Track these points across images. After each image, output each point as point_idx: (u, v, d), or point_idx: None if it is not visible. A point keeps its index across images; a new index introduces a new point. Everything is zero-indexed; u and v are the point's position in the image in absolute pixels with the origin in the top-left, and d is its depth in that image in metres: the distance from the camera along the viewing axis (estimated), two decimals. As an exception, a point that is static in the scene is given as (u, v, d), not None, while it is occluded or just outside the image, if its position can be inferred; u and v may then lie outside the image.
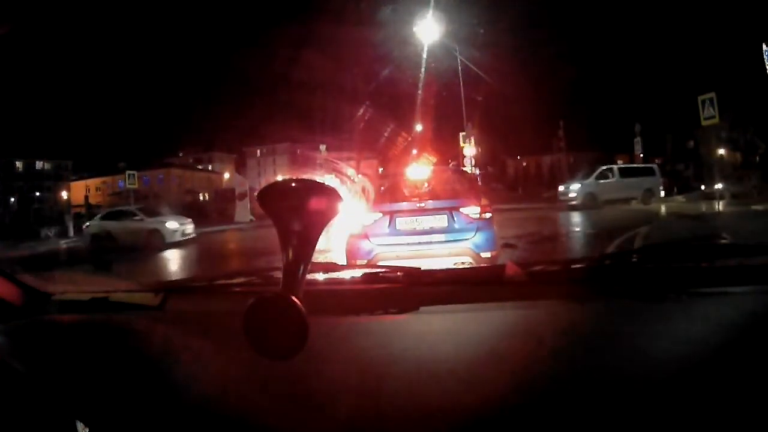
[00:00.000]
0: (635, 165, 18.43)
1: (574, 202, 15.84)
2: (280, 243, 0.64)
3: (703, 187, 17.86)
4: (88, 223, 14.47)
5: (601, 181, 16.64)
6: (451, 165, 14.95)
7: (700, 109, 11.79)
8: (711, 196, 15.21)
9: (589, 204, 15.45)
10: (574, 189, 16.57)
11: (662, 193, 16.77)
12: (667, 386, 0.64)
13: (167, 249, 11.69)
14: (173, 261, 10.24)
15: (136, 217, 13.38)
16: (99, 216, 14.54)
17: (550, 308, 0.97)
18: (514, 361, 0.76)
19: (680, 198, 17.40)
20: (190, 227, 13.18)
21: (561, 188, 17.23)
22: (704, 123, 12.03)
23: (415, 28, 14.09)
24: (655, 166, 17.61)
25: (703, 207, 13.39)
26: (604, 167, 17.53)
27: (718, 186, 15.98)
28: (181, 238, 12.61)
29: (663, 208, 13.94)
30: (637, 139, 20.22)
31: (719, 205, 12.88)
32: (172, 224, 12.83)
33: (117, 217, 13.87)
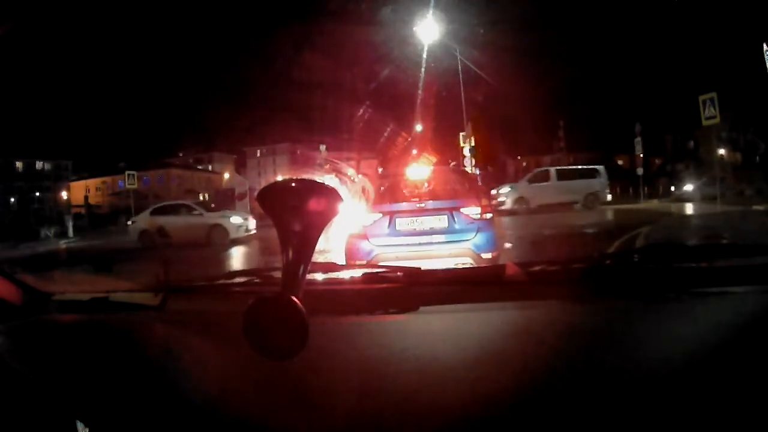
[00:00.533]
0: (577, 167, 17.48)
1: (503, 207, 14.68)
2: (280, 243, 0.64)
3: (672, 189, 17.72)
4: (133, 219, 13.70)
5: (535, 184, 15.64)
6: (451, 165, 14.91)
7: (701, 109, 11.67)
8: (682, 199, 15.02)
9: (519, 209, 14.56)
10: (503, 192, 15.49)
11: (609, 197, 15.86)
12: (667, 386, 0.64)
13: (231, 246, 11.23)
14: (253, 256, 9.82)
15: (195, 212, 12.81)
16: (148, 211, 13.68)
17: (550, 308, 0.97)
18: (514, 361, 0.76)
19: (656, 201, 17.01)
20: (252, 223, 12.69)
21: (493, 191, 15.87)
22: (705, 123, 11.93)
23: (415, 28, 14.08)
24: (601, 167, 16.43)
25: (672, 209, 13.13)
26: (540, 169, 16.67)
27: (688, 188, 15.93)
28: (245, 234, 12.17)
29: (609, 213, 13.44)
30: (638, 139, 20.11)
31: (686, 208, 12.68)
32: (236, 219, 12.38)
33: (171, 211, 13.15)
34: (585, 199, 15.17)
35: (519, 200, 15.27)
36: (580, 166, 17.50)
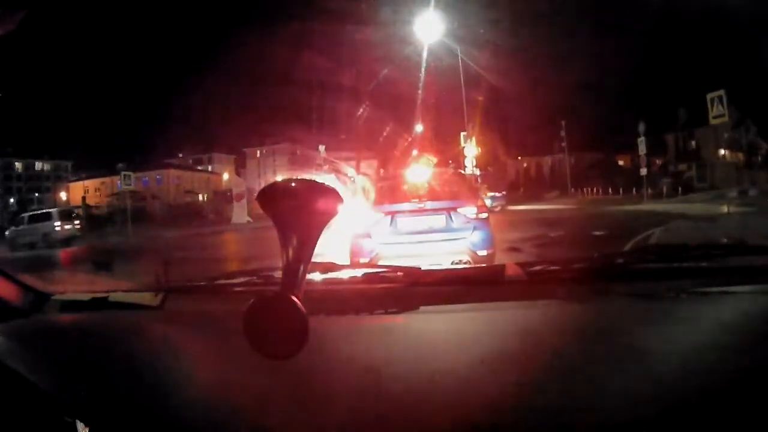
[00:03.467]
0: (39, 212, 20.12)
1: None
2: (280, 243, 0.64)
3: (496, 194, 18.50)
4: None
5: (21, 226, 18.53)
6: (450, 167, 14.97)
7: (709, 107, 11.22)
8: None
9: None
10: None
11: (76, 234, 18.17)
12: (666, 386, 0.64)
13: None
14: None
15: None
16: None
17: (550, 308, 0.97)
18: (514, 361, 0.76)
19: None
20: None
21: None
22: (713, 122, 11.54)
23: (415, 28, 14.10)
24: (54, 211, 19.16)
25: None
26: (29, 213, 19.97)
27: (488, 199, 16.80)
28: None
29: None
30: (641, 139, 20.05)
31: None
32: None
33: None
34: (42, 239, 17.59)
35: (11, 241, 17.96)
36: (41, 212, 20.27)
